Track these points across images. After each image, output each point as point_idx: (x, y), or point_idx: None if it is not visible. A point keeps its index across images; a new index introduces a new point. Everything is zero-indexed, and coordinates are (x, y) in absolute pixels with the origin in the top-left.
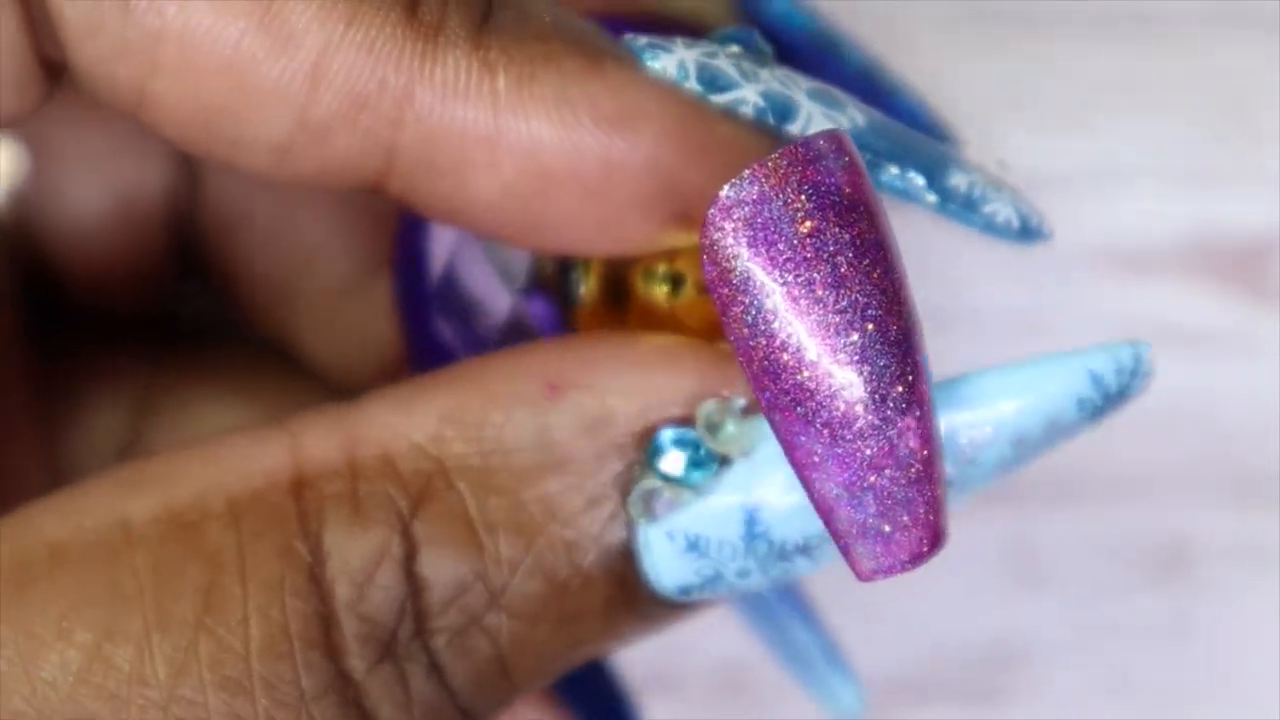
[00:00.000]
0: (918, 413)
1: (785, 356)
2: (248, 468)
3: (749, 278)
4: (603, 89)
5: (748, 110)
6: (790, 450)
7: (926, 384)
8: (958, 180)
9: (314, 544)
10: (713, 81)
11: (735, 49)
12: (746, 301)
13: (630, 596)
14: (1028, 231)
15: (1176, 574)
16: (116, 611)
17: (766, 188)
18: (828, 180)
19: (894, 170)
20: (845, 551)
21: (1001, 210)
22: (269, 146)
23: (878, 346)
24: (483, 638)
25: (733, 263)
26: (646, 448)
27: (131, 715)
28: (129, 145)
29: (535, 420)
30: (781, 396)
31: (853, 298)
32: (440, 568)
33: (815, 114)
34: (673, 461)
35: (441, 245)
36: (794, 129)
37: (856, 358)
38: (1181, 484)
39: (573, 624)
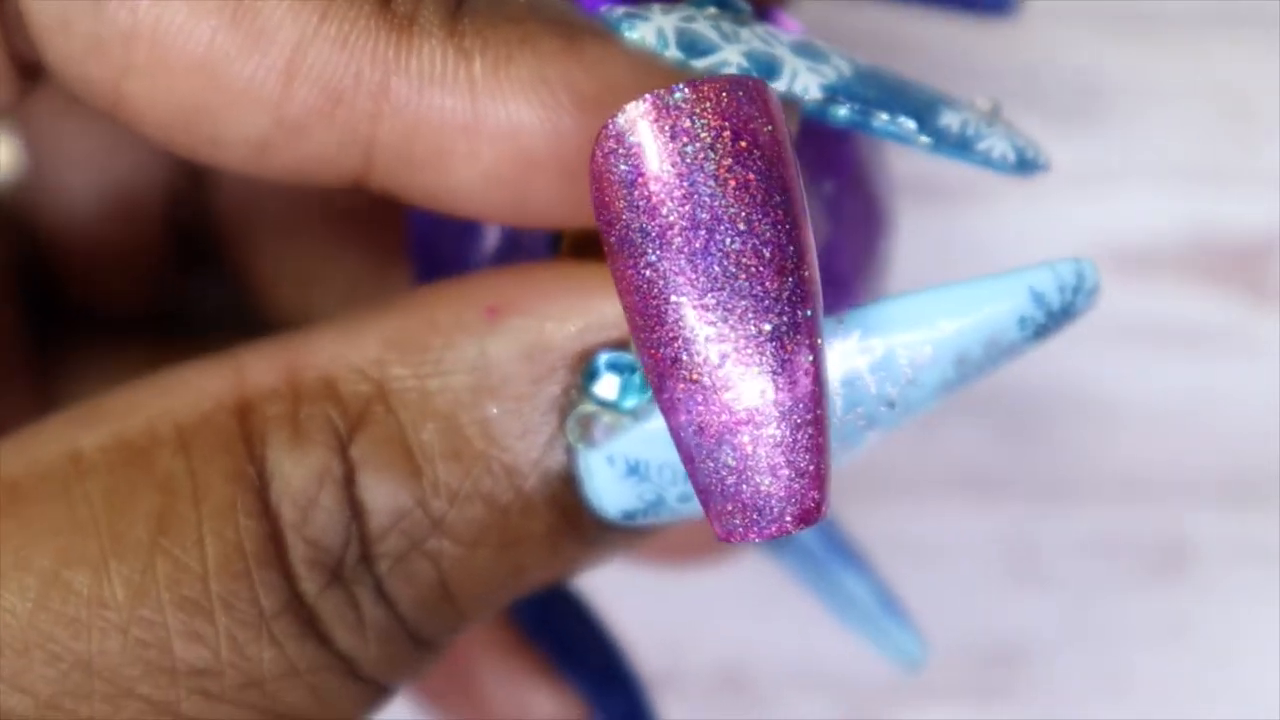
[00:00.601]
0: (794, 376)
1: (653, 292)
2: (194, 394)
3: (625, 206)
4: (579, 68)
5: (731, 72)
6: (655, 390)
7: (813, 349)
8: (949, 120)
9: (259, 466)
10: (693, 46)
11: (713, 10)
12: (620, 231)
13: (574, 522)
14: (1024, 164)
15: (1176, 574)
16: (72, 538)
17: (656, 118)
18: (723, 122)
19: (884, 116)
20: (704, 506)
21: (996, 145)
22: (247, 143)
23: (749, 300)
24: (424, 562)
25: (613, 189)
26: (583, 372)
27: (93, 638)
28: (126, 137)
29: (474, 344)
30: (646, 332)
31: (725, 244)
32: (379, 493)
33: (800, 68)
34: (607, 385)
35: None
36: (779, 85)
37: (723, 307)
38: (1181, 484)
39: (515, 549)
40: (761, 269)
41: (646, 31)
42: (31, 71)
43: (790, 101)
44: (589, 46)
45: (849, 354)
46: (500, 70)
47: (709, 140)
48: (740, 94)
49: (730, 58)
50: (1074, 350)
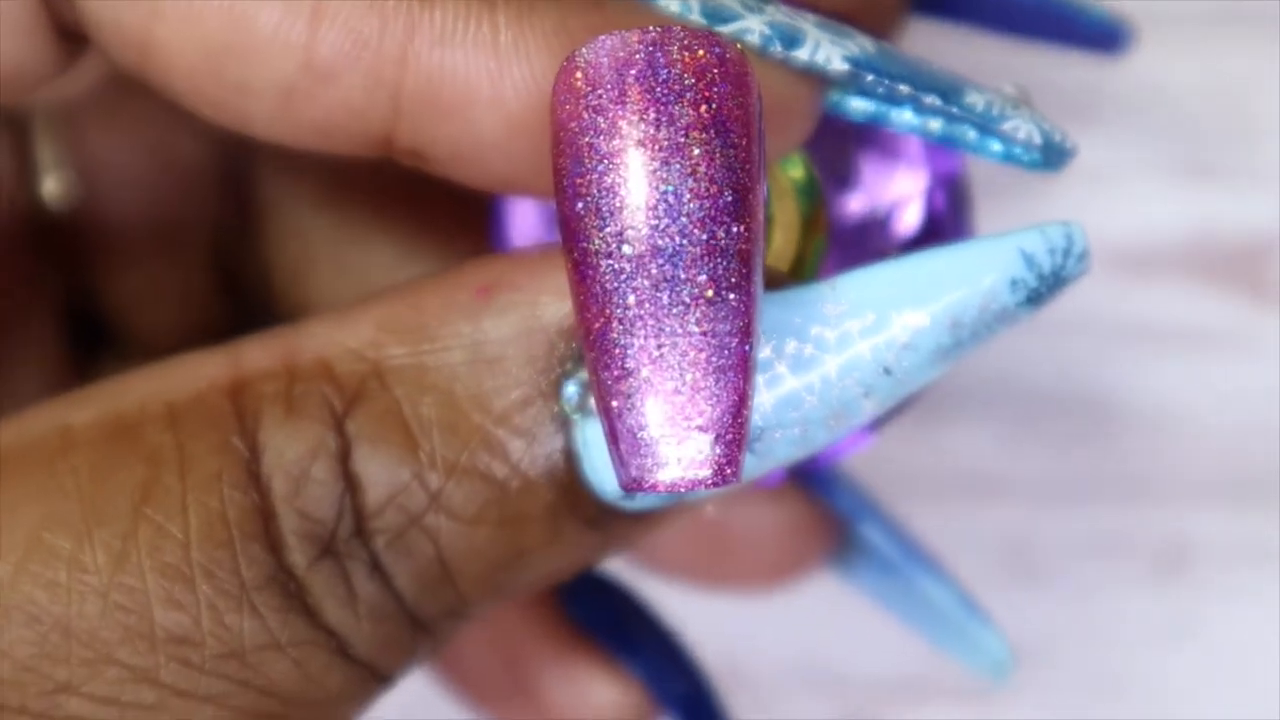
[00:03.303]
0: (703, 337)
1: (592, 215)
2: (189, 376)
3: (585, 121)
4: (602, 20)
5: (753, 39)
6: (584, 337)
7: (744, 313)
8: (974, 99)
9: (250, 440)
10: (716, 14)
11: None
12: (572, 146)
13: (574, 502)
14: (1051, 148)
15: (1176, 574)
16: (55, 505)
17: (636, 52)
18: (698, 77)
19: (906, 90)
20: (612, 452)
21: (1022, 126)
22: (275, 89)
23: (686, 252)
24: (423, 538)
25: (573, 105)
26: (577, 344)
27: (71, 601)
28: (173, 165)
29: (468, 322)
30: (571, 248)
31: (674, 180)
32: (376, 466)
33: (823, 40)
34: None
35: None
36: (802, 54)
37: (658, 253)
38: (1182, 484)
39: (515, 528)
40: (704, 225)
41: None
42: (73, 37)
43: (814, 74)
44: (612, 3)
45: (842, 319)
46: (524, 19)
47: (682, 86)
48: (720, 58)
49: (753, 25)
50: (1074, 350)
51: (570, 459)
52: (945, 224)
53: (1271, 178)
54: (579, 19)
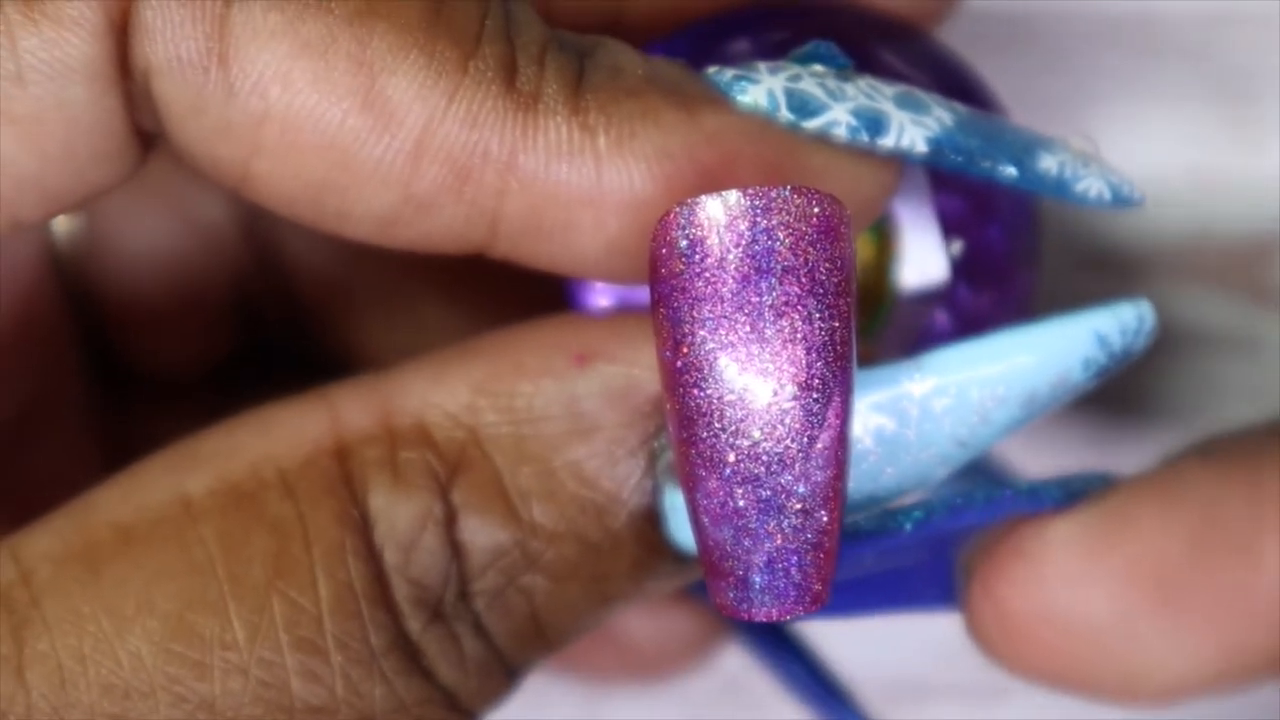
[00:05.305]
0: (807, 473)
1: (692, 371)
2: (293, 437)
3: (680, 282)
4: (701, 139)
5: (841, 131)
6: (677, 453)
7: (830, 455)
8: (1048, 164)
9: (362, 509)
10: (803, 107)
11: (819, 68)
12: (671, 301)
13: (655, 556)
14: (1119, 200)
15: None
16: (191, 581)
17: (731, 216)
18: (797, 231)
19: (986, 164)
20: (706, 577)
21: (1094, 185)
22: (374, 219)
23: (771, 400)
24: (519, 596)
25: (674, 263)
26: None
27: (215, 680)
28: (188, 206)
29: (564, 390)
30: (675, 398)
31: (769, 351)
32: (479, 534)
33: (906, 122)
34: None
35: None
36: (888, 142)
37: (743, 400)
38: None
39: (602, 582)
40: (792, 374)
41: (758, 95)
42: (150, 141)
43: (896, 157)
44: (707, 116)
45: (926, 396)
46: (624, 145)
47: (761, 247)
48: (820, 211)
49: (839, 117)
50: None
51: (654, 519)
52: (997, 262)
53: (1271, 178)
54: (678, 141)
